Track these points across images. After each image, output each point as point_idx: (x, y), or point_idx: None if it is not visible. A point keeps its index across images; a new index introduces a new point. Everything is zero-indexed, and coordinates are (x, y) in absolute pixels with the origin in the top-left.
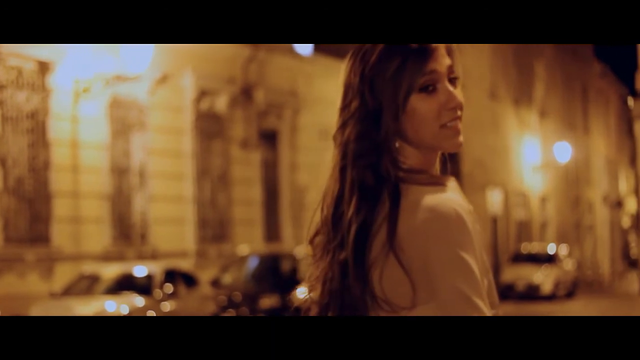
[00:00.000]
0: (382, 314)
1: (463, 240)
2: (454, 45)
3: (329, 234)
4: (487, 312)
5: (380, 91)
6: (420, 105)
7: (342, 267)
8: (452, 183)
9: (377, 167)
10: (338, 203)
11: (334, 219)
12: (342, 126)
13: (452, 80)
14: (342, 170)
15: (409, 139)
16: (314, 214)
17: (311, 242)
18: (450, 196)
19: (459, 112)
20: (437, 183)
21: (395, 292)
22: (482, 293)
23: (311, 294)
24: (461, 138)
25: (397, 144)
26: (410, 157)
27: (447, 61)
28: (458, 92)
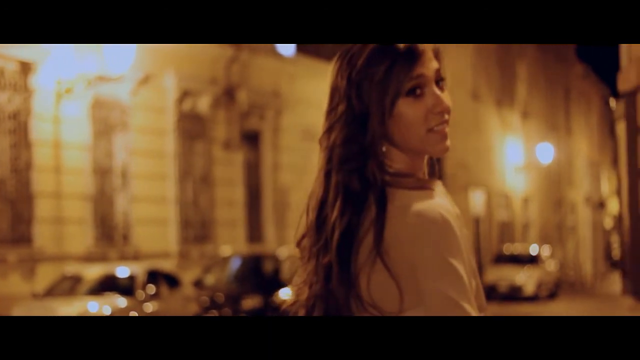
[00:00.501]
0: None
1: (450, 246)
2: (441, 47)
3: (313, 237)
4: (475, 315)
5: (367, 95)
6: (407, 109)
7: (326, 271)
8: (439, 187)
9: (363, 171)
10: (322, 206)
11: (318, 223)
12: (328, 130)
13: (439, 83)
14: (327, 174)
15: (396, 143)
16: (301, 217)
17: (298, 244)
18: (437, 201)
19: (446, 116)
20: (424, 187)
21: (382, 297)
22: (470, 297)
23: (299, 297)
24: (448, 142)
25: (383, 148)
26: (397, 161)
27: (434, 64)
28: (445, 96)
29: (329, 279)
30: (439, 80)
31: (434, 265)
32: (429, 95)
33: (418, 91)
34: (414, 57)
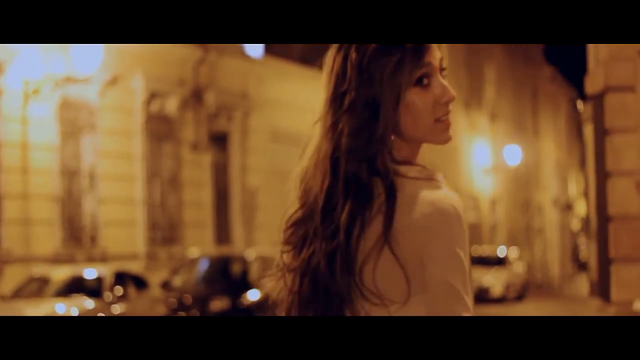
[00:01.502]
0: (369, 306)
1: (459, 237)
2: None
3: (317, 225)
4: (471, 309)
5: (378, 84)
6: (416, 99)
7: (329, 259)
8: (441, 178)
9: (373, 160)
10: (330, 195)
11: (325, 211)
12: (335, 119)
13: (442, 73)
14: (335, 162)
15: (403, 133)
16: (291, 204)
17: (289, 232)
18: (447, 192)
19: (450, 106)
20: (431, 178)
21: (387, 286)
22: (469, 290)
23: (292, 286)
24: (451, 132)
25: (392, 138)
26: (402, 150)
27: (438, 54)
28: (449, 86)
29: (333, 267)
30: (442, 70)
31: (443, 255)
32: (436, 85)
33: (425, 81)
34: (423, 46)
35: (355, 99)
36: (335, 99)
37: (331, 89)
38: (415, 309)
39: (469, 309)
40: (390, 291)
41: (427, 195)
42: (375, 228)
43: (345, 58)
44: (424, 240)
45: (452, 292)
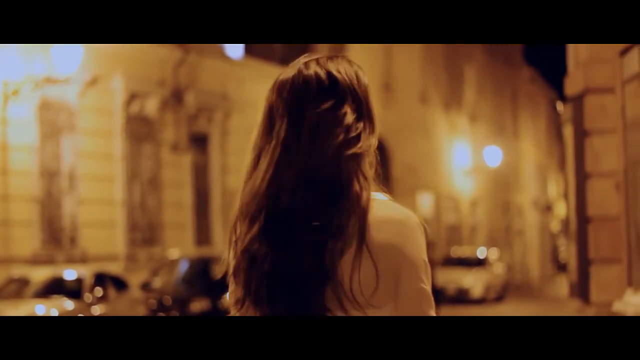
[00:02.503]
0: (350, 311)
1: (424, 247)
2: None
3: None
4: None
5: (368, 108)
6: None
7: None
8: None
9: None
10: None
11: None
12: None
13: None
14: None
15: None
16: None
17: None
18: (405, 208)
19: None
20: (388, 194)
21: (363, 291)
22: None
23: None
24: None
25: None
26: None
27: None
28: None
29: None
30: None
31: (415, 264)
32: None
33: None
34: None
35: (364, 123)
36: (356, 121)
37: (350, 111)
38: (389, 312)
39: (435, 308)
40: (366, 297)
41: (395, 214)
42: (353, 242)
43: (351, 82)
44: (399, 253)
45: (425, 297)
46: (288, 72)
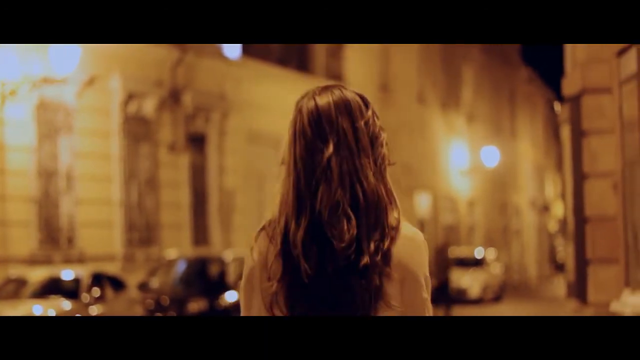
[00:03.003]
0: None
1: (427, 262)
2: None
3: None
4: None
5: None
6: None
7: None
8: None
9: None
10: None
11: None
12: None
13: None
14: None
15: None
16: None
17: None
18: (413, 227)
19: None
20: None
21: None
22: None
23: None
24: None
25: None
26: None
27: None
28: None
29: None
30: None
31: (420, 277)
32: None
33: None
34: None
35: (381, 150)
36: (373, 151)
37: (374, 140)
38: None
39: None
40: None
41: (407, 231)
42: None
43: (368, 116)
44: (409, 266)
45: (427, 306)
46: (318, 100)
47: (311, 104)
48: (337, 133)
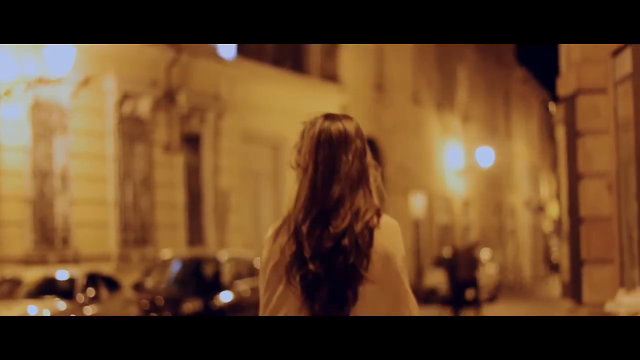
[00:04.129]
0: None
1: (402, 243)
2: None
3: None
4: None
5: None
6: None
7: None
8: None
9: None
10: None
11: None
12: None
13: None
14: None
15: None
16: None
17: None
18: (389, 218)
19: None
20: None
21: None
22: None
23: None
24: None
25: None
26: None
27: None
28: None
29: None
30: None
31: (397, 255)
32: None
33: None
34: None
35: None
36: (354, 159)
37: (367, 155)
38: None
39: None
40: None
41: (386, 221)
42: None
43: (360, 139)
44: (386, 250)
45: (407, 292)
46: (321, 124)
47: (335, 125)
48: (347, 150)
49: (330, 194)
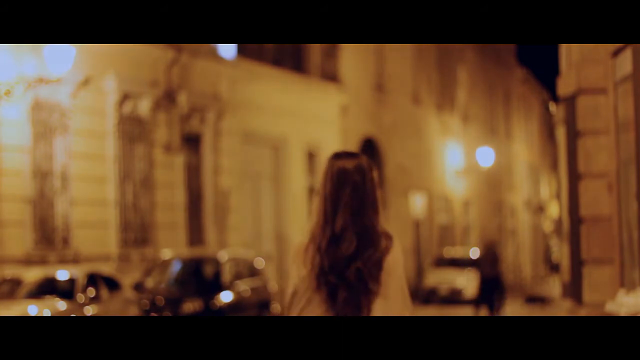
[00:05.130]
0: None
1: (403, 263)
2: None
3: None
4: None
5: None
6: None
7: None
8: None
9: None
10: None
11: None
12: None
13: None
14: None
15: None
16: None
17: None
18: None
19: None
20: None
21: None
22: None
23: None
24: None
25: None
26: None
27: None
28: None
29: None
30: None
31: (400, 275)
32: None
33: None
34: None
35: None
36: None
37: (368, 186)
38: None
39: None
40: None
41: (395, 244)
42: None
43: (370, 170)
44: (394, 268)
45: (406, 296)
46: (330, 162)
47: (339, 163)
48: (353, 183)
49: (335, 221)
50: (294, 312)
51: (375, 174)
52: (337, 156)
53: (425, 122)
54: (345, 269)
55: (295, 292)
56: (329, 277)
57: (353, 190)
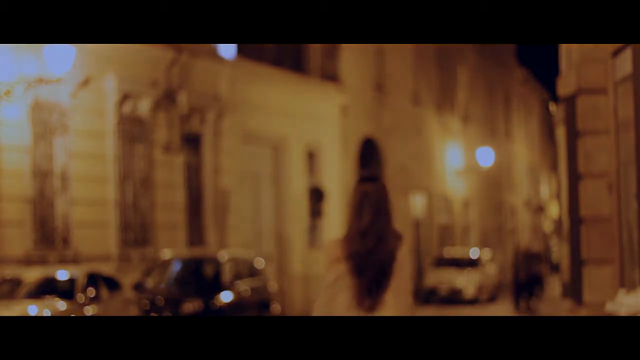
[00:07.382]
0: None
1: (410, 258)
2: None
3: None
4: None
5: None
6: None
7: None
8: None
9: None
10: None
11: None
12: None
13: None
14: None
15: None
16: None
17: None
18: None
19: None
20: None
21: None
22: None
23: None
24: None
25: None
26: None
27: None
28: None
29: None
30: None
31: (408, 275)
32: None
33: None
34: None
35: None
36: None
37: (384, 205)
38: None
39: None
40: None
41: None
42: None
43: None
44: (404, 266)
45: (410, 295)
46: (355, 184)
47: (363, 186)
48: (372, 200)
49: (361, 223)
50: (327, 285)
51: (388, 192)
52: (362, 180)
53: (425, 122)
54: (369, 255)
55: (330, 270)
56: (357, 260)
57: (372, 205)
